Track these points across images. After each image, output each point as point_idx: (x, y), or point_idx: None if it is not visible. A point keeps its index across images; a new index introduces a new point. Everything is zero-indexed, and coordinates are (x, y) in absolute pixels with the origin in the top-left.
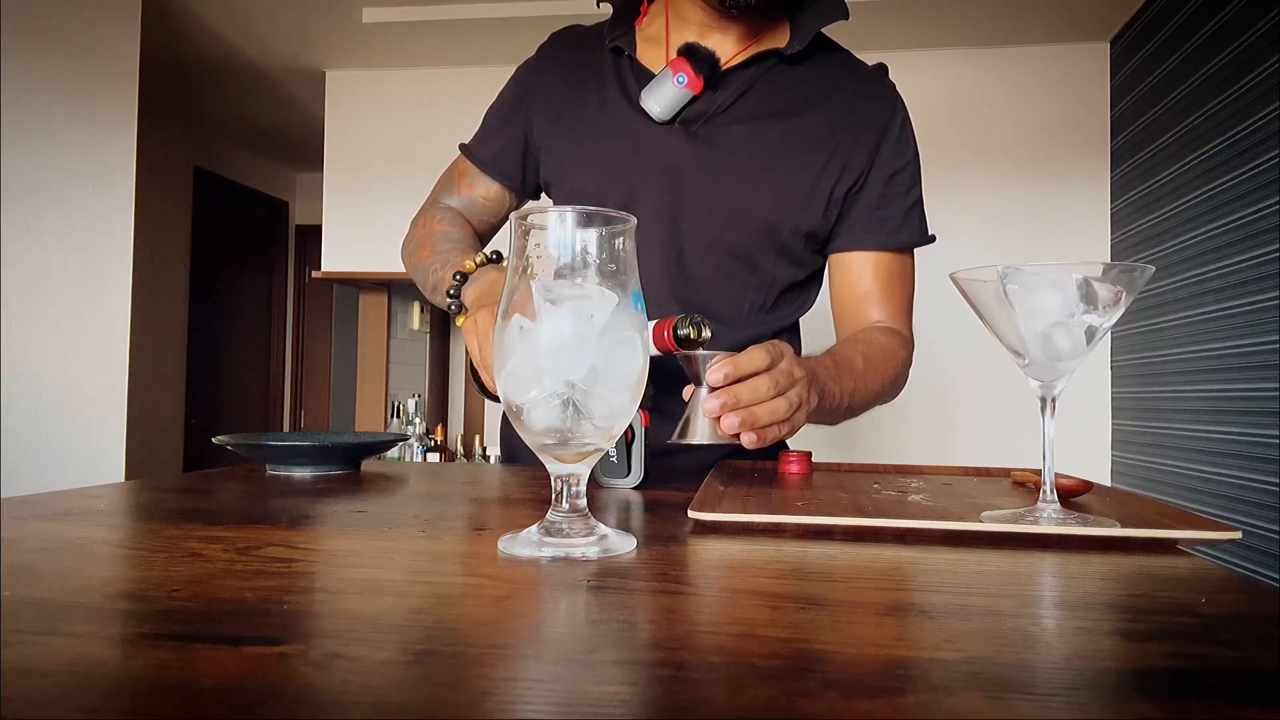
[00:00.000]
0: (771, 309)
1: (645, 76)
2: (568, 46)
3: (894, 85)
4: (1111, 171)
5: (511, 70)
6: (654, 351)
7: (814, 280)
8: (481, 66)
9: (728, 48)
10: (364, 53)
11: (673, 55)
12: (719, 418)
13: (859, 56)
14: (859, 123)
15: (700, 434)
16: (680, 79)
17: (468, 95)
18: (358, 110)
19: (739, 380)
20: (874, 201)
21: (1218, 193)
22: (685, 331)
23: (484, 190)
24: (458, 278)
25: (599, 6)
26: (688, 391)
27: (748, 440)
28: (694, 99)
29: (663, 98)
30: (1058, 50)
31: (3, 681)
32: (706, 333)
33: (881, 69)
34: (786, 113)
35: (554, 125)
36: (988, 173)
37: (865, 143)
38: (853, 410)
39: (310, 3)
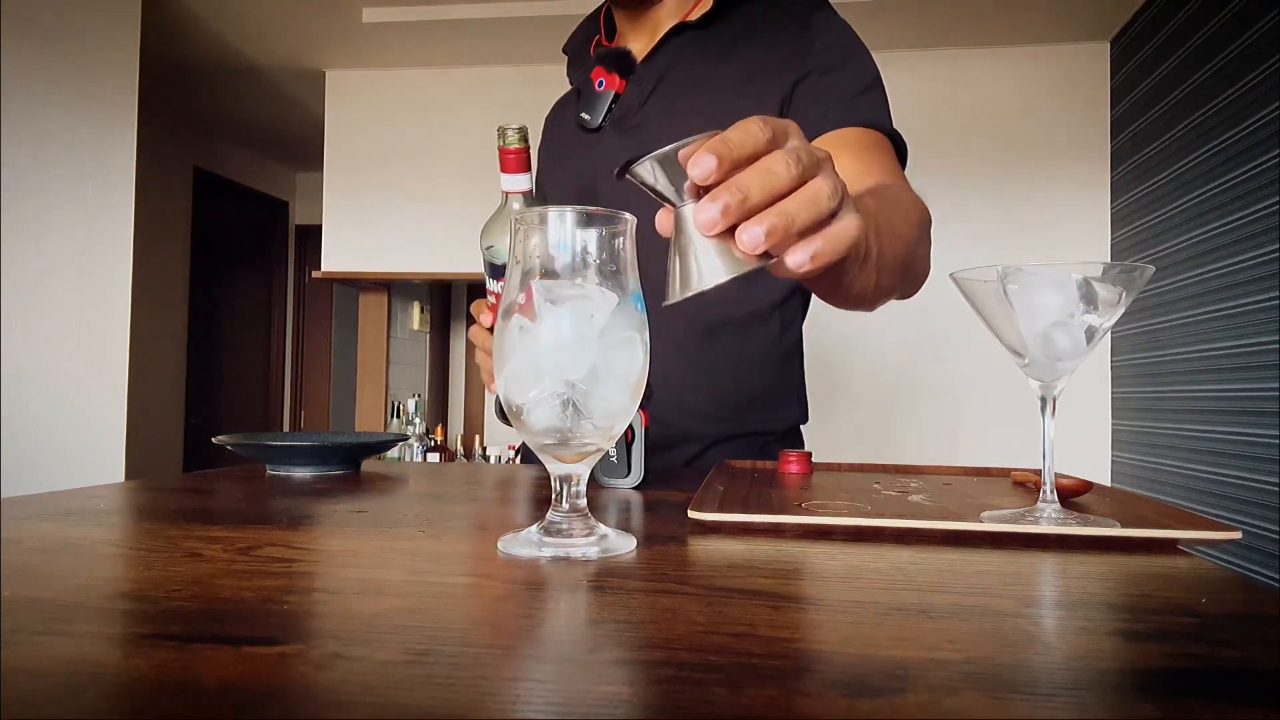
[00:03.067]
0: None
1: None
2: (558, 110)
3: None
4: (1111, 171)
5: (510, 70)
6: (514, 186)
7: None
8: (481, 66)
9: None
10: (364, 53)
11: None
12: (732, 235)
13: None
14: (779, 40)
15: (708, 271)
16: (600, 83)
17: (468, 95)
18: (358, 110)
19: (735, 171)
20: (819, 92)
21: (1218, 193)
22: (512, 142)
23: None
24: None
25: (564, 54)
26: (663, 220)
27: (794, 261)
28: (617, 97)
29: (591, 106)
30: (1058, 50)
31: (3, 681)
32: (525, 129)
33: None
34: (708, 76)
35: (550, 171)
36: (988, 172)
37: (789, 56)
38: (882, 263)
39: (310, 3)
